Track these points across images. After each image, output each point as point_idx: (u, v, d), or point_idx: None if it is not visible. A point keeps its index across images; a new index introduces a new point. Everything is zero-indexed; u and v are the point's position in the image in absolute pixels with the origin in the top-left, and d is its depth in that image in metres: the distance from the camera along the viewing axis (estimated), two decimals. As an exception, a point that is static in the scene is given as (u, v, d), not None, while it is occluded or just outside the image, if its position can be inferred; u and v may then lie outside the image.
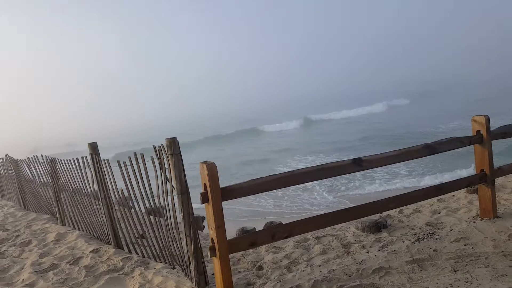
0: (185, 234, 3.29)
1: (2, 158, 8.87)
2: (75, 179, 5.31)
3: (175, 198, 3.32)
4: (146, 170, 3.70)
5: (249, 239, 3.02)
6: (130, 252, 4.57)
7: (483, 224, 4.03)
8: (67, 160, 5.48)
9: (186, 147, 32.15)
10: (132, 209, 4.41)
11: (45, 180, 6.55)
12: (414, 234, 4.05)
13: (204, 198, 2.88)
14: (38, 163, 6.48)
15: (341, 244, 4.07)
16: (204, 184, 2.88)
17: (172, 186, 3.33)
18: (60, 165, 5.69)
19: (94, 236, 5.42)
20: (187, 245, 3.32)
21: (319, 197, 11.02)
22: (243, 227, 6.16)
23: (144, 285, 3.52)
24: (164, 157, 3.37)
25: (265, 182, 3.06)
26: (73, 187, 5.50)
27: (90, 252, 4.62)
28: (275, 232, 3.11)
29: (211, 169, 2.83)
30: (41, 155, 6.15)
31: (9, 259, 4.80)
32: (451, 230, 4.01)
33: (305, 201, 10.78)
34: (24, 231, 6.12)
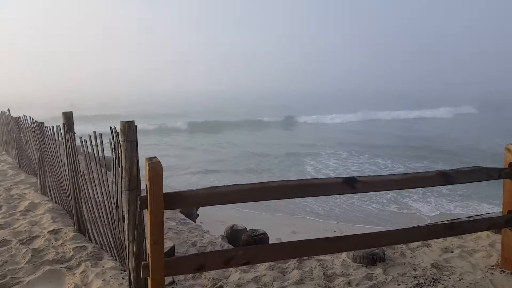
0: (127, 239, 2.73)
1: (6, 112, 8.64)
2: (53, 149, 4.88)
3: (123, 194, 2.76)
4: (103, 153, 3.15)
5: (195, 262, 2.42)
6: (90, 239, 4.09)
7: (502, 278, 3.25)
8: (54, 126, 5.04)
9: (228, 126, 32.03)
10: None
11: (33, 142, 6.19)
12: (414, 277, 3.32)
13: (143, 204, 2.28)
14: (27, 124, 6.12)
15: (323, 274, 3.39)
16: (146, 186, 2.29)
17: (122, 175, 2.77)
18: (46, 131, 5.28)
19: (68, 213, 5.00)
20: (128, 252, 2.76)
21: (376, 205, 10.01)
22: (233, 225, 5.57)
23: (80, 287, 3.01)
24: (118, 143, 2.80)
25: (226, 192, 2.44)
26: (54, 156, 5.08)
27: (49, 232, 4.18)
28: (232, 256, 2.49)
29: (154, 169, 2.23)
30: (29, 116, 5.76)
31: (-34, 226, 4.45)
32: (460, 280, 3.26)
33: (358, 208, 9.79)
34: (2, 194, 5.80)
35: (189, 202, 2.39)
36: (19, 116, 6.83)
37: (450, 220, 4.72)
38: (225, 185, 2.46)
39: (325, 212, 9.74)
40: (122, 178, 2.73)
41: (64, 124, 4.14)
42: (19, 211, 4.97)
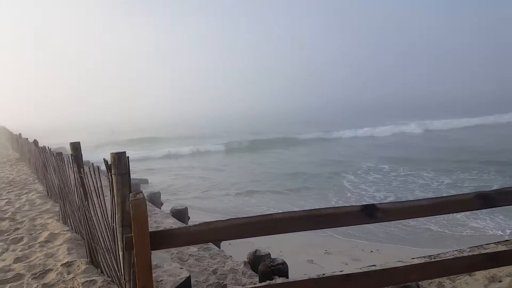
0: (124, 279, 2.52)
1: (33, 142, 8.93)
2: (68, 179, 4.84)
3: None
4: (101, 186, 2.99)
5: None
6: (102, 272, 3.93)
7: None
8: (65, 157, 5.03)
9: (264, 145, 32.20)
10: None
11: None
12: (454, 314, 2.87)
13: (128, 244, 2.06)
14: (48, 154, 6.20)
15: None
16: (130, 225, 2.07)
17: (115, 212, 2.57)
18: (62, 161, 5.28)
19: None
20: (125, 293, 2.54)
21: (433, 226, 9.14)
22: (256, 251, 5.27)
23: (80, 330, 2.82)
24: (110, 175, 2.61)
25: (222, 228, 2.17)
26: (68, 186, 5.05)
27: (62, 265, 4.07)
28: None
29: (138, 206, 2.00)
30: (47, 147, 5.82)
31: (-15, 259, 4.44)
32: (511, 318, 2.77)
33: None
34: (26, 225, 5.84)
35: (180, 241, 2.14)
36: (44, 146, 6.98)
37: (497, 242, 4.18)
38: (221, 220, 2.19)
39: (374, 229, 9.08)
40: (115, 213, 2.54)
41: (72, 155, 4.07)
42: (38, 243, 4.94)
